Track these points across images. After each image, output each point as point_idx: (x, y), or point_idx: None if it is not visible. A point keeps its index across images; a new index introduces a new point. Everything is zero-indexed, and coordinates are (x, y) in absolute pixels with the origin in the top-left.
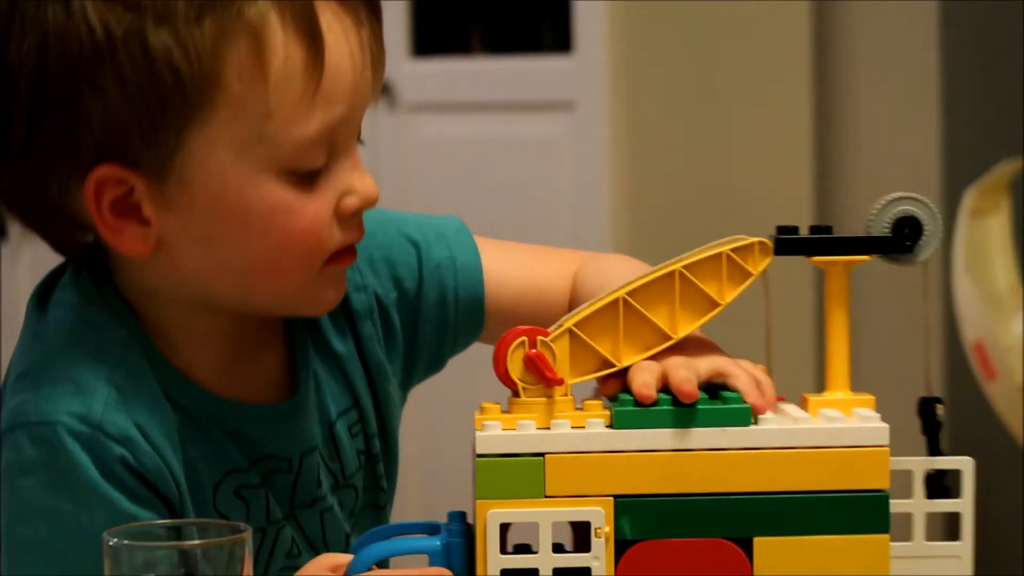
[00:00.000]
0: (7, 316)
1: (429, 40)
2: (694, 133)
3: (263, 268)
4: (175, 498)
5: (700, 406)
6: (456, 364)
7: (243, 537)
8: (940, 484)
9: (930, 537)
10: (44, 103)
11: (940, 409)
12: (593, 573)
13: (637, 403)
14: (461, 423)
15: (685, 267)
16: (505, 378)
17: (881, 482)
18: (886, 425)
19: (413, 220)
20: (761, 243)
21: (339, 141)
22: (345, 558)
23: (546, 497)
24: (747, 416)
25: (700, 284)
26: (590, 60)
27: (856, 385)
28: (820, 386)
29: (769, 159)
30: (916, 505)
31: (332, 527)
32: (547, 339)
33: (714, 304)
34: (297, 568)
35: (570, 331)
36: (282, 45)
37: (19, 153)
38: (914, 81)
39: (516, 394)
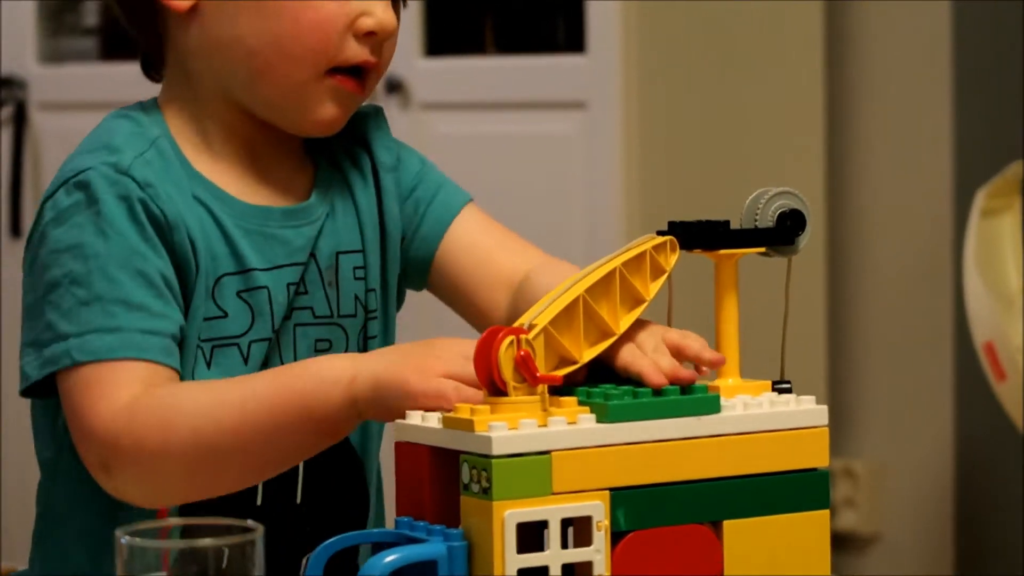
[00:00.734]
0: (7, 316)
1: (442, 39)
2: (707, 133)
3: (273, 51)
4: (186, 252)
5: (675, 396)
6: None
7: (254, 536)
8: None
9: None
10: None
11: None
12: (595, 566)
13: (633, 394)
14: None
15: (623, 265)
16: (496, 378)
17: (823, 460)
18: (824, 407)
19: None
20: (671, 240)
21: None
22: (471, 347)
23: (553, 494)
24: (716, 403)
25: (632, 280)
26: (603, 59)
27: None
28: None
29: (781, 158)
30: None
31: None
32: (529, 338)
33: (641, 300)
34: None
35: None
36: None
37: None
38: (926, 82)
39: (502, 393)
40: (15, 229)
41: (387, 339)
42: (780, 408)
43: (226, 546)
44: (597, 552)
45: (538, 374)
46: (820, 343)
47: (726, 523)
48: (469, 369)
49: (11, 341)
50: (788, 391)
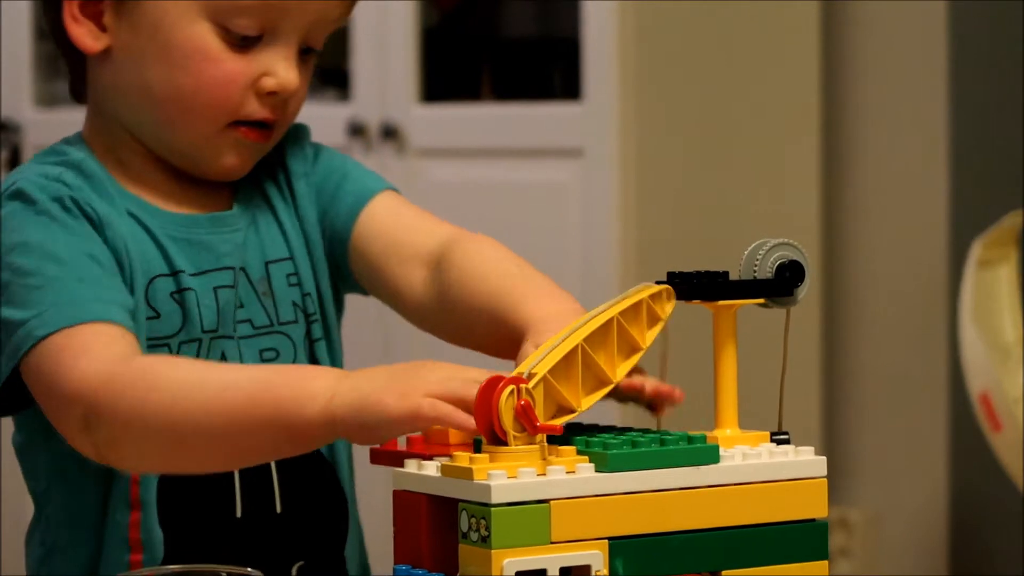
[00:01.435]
0: None
1: (438, 85)
2: (703, 181)
3: (176, 103)
4: (119, 250)
5: (675, 446)
6: None
7: None
8: None
9: None
10: None
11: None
12: None
13: (632, 444)
14: None
15: (620, 314)
16: (497, 428)
17: (821, 511)
18: (823, 458)
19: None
20: (667, 289)
21: (280, 28)
22: (457, 369)
23: (552, 543)
24: (715, 454)
25: (629, 329)
26: (600, 107)
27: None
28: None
29: (777, 203)
30: None
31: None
32: (529, 387)
33: (637, 348)
34: None
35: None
36: None
37: None
38: (923, 135)
39: (501, 443)
40: None
41: (331, 341)
42: (779, 459)
43: None
44: None
45: (538, 423)
46: (815, 392)
47: (724, 573)
48: (451, 387)
49: None
50: (787, 442)
